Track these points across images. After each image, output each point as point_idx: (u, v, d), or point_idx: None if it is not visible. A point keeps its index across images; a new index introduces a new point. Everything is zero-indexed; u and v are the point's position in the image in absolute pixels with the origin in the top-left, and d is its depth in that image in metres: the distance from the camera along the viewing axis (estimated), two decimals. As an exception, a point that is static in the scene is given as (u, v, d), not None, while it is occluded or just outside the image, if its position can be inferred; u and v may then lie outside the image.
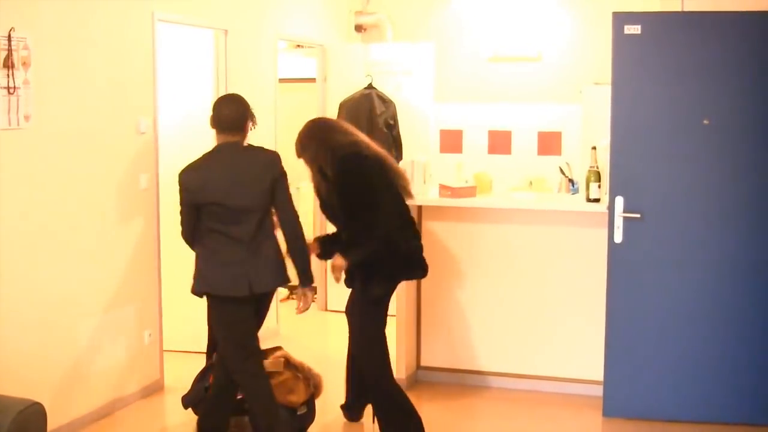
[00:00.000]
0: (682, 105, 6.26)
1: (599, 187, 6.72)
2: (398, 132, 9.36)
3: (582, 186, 7.22)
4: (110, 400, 6.53)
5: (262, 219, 5.46)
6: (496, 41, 10.01)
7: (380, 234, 5.55)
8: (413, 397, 5.82)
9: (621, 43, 6.26)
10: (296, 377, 6.12)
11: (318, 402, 6.28)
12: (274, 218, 5.59)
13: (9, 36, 5.50)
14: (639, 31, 6.21)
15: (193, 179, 5.42)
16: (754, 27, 6.18)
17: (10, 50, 5.51)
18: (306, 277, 5.60)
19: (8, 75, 5.52)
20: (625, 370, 6.47)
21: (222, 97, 5.90)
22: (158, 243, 6.98)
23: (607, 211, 6.40)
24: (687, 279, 6.36)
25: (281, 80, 8.95)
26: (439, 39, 9.93)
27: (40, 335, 5.91)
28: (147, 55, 6.83)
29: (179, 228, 5.58)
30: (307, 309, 5.67)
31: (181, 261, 6.26)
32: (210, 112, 5.57)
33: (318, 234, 7.71)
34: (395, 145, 9.31)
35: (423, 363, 7.37)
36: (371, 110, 9.25)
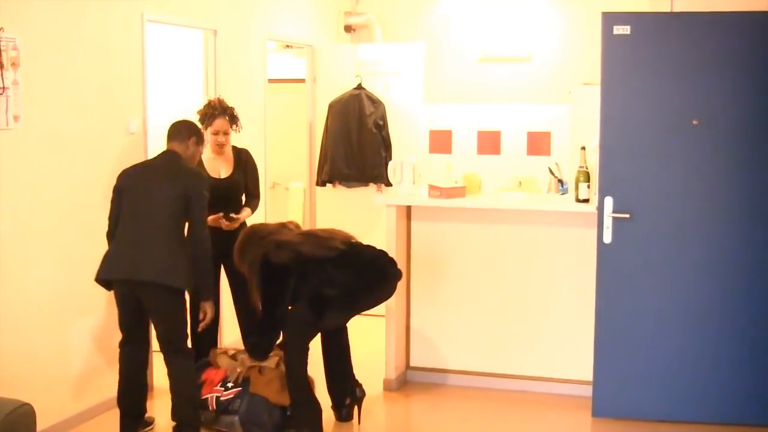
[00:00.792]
0: (671, 105, 6.28)
1: (588, 187, 6.73)
2: (387, 132, 9.37)
3: (571, 186, 7.23)
4: (99, 401, 6.52)
5: (171, 225, 5.78)
6: (485, 41, 10.02)
7: (272, 335, 6.13)
8: (402, 398, 5.83)
9: (610, 43, 6.26)
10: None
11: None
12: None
13: (-2, 36, 5.50)
14: (628, 32, 6.22)
15: (126, 172, 6.01)
16: (744, 27, 6.20)
17: (-1, 50, 5.51)
18: (201, 293, 5.96)
19: (-3, 75, 5.52)
20: (614, 371, 6.48)
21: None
22: (147, 243, 6.96)
23: (596, 211, 6.41)
24: (676, 279, 6.37)
25: (270, 80, 8.94)
26: (428, 39, 9.94)
27: (30, 336, 5.90)
28: (136, 55, 6.82)
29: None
30: (206, 323, 6.01)
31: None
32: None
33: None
34: (384, 145, 9.32)
35: (412, 363, 7.37)
36: (360, 111, 9.26)
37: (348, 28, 10.40)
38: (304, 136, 9.63)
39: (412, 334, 7.35)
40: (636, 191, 6.33)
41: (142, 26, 6.84)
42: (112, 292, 5.90)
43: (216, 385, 6.14)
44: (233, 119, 6.90)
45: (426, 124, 9.64)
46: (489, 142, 9.52)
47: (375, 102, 9.35)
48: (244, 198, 7.04)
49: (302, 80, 9.90)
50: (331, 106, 9.36)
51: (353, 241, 6.23)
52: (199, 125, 6.59)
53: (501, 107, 9.56)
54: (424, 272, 7.25)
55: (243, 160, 7.03)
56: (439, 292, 7.24)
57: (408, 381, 7.33)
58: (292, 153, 9.77)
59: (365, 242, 6.36)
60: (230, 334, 7.55)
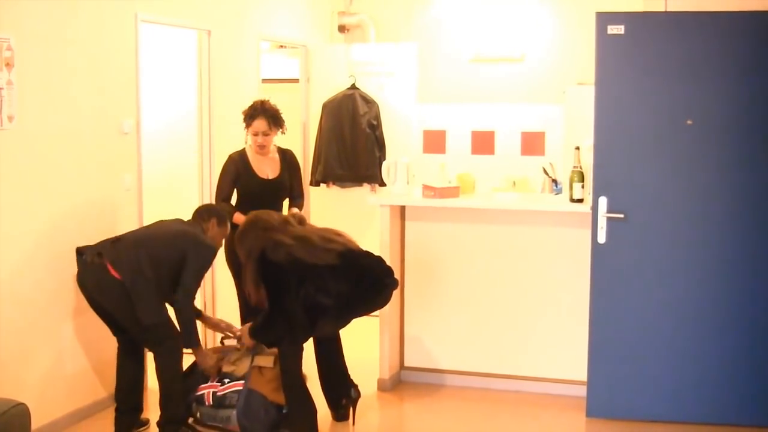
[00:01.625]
0: (665, 105, 6.28)
1: (583, 187, 6.73)
2: (381, 132, 9.37)
3: (565, 186, 7.24)
4: (94, 401, 6.51)
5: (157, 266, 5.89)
6: (479, 42, 10.01)
7: (278, 331, 6.02)
8: (396, 398, 5.83)
9: (604, 43, 6.27)
10: None
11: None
12: None
13: (-8, 37, 5.50)
14: (622, 31, 6.23)
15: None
16: (738, 27, 6.20)
17: (-8, 51, 5.51)
18: (186, 343, 6.04)
19: (-9, 75, 5.52)
20: (608, 371, 6.48)
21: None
22: (141, 244, 6.96)
23: (590, 211, 6.41)
24: (670, 279, 6.38)
25: (264, 80, 8.93)
26: (422, 40, 9.94)
27: (25, 336, 5.90)
28: (130, 55, 6.81)
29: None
30: (205, 365, 6.16)
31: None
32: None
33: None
34: (378, 145, 9.32)
35: (407, 363, 7.37)
36: (354, 111, 9.27)
37: (341, 29, 10.40)
38: (297, 136, 9.61)
39: (406, 334, 7.35)
40: (630, 191, 6.33)
41: (136, 26, 6.83)
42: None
43: (214, 380, 6.17)
44: (275, 121, 6.89)
45: (420, 124, 9.64)
46: (483, 143, 9.52)
47: (369, 102, 9.35)
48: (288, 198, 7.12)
49: (296, 80, 9.90)
50: (324, 106, 9.36)
51: (351, 247, 6.19)
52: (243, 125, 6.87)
53: (495, 107, 9.56)
54: (418, 272, 7.25)
55: (288, 161, 7.07)
56: (433, 292, 7.24)
57: (402, 381, 7.33)
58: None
59: (360, 244, 6.33)
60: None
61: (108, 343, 6.35)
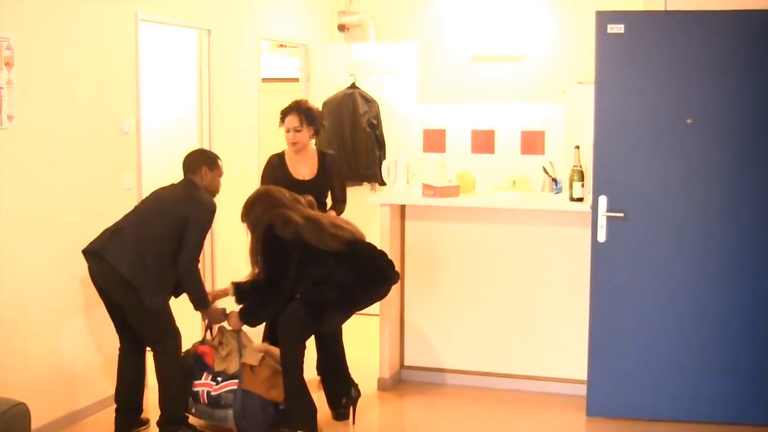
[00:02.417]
0: (665, 104, 6.28)
1: (583, 186, 6.73)
2: (381, 132, 9.37)
3: (565, 185, 7.24)
4: (94, 401, 6.51)
5: (159, 240, 5.90)
6: (479, 41, 10.01)
7: (272, 308, 6.08)
8: (396, 397, 5.83)
9: (604, 42, 6.27)
10: (278, 372, 6.11)
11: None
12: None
13: (-8, 36, 5.50)
14: (622, 30, 6.22)
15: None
16: (737, 26, 6.20)
17: (-8, 50, 5.51)
18: (196, 304, 6.12)
19: (-9, 75, 5.52)
20: (608, 370, 6.48)
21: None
22: (141, 243, 6.96)
23: (590, 210, 6.41)
24: (670, 278, 6.38)
25: (264, 80, 8.94)
26: (422, 39, 9.93)
27: (24, 335, 5.89)
28: (130, 55, 6.80)
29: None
30: (217, 323, 6.28)
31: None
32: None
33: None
34: (378, 144, 9.32)
35: (407, 362, 7.37)
36: (354, 110, 9.26)
37: (341, 28, 10.40)
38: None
39: (407, 333, 7.35)
40: (630, 190, 6.33)
41: (136, 26, 6.82)
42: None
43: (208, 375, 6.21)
44: (308, 118, 6.82)
45: (420, 123, 9.65)
46: (483, 141, 9.53)
47: (369, 101, 9.34)
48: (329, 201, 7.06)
49: (296, 79, 9.89)
50: (324, 105, 9.35)
51: (358, 237, 6.18)
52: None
53: (495, 106, 9.57)
54: (419, 271, 7.25)
55: (327, 164, 6.96)
56: (433, 291, 7.24)
57: (402, 380, 7.33)
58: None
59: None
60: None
61: (108, 343, 6.36)
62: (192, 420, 6.21)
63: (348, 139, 9.27)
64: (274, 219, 5.94)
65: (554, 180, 8.52)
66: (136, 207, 6.20)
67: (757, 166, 6.23)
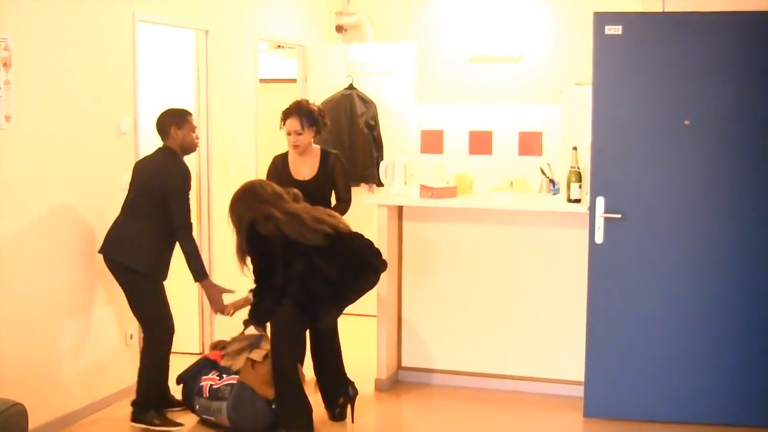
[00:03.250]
0: (663, 105, 6.28)
1: (580, 187, 6.73)
2: (379, 132, 9.37)
3: (563, 186, 7.24)
4: (92, 401, 6.51)
5: (143, 211, 6.14)
6: (477, 42, 10.01)
7: (268, 305, 6.11)
8: (393, 398, 5.82)
9: (602, 43, 6.27)
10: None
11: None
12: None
13: (-11, 36, 5.50)
14: (620, 32, 6.23)
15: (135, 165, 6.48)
16: (735, 27, 6.21)
17: (-10, 50, 5.51)
18: (195, 275, 6.31)
19: (-12, 75, 5.51)
20: (606, 371, 6.48)
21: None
22: (139, 243, 6.96)
23: (588, 211, 6.41)
24: (668, 279, 6.38)
25: (262, 80, 8.94)
26: (419, 39, 9.94)
27: (22, 335, 5.89)
28: (128, 55, 6.81)
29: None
30: (212, 298, 6.41)
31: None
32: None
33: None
34: (376, 145, 9.32)
35: (404, 363, 7.37)
36: (352, 111, 9.26)
37: (339, 28, 10.40)
38: (295, 136, 9.61)
39: (404, 334, 7.35)
40: (627, 191, 6.33)
41: (134, 26, 6.83)
42: (99, 289, 6.20)
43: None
44: (309, 120, 6.76)
45: (417, 124, 9.65)
46: (480, 142, 9.52)
47: (366, 102, 9.35)
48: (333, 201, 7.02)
49: (293, 80, 9.88)
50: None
51: (340, 229, 6.16)
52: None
53: (492, 107, 9.56)
54: (416, 272, 7.25)
55: (330, 164, 6.88)
56: (430, 292, 7.24)
57: (399, 381, 7.32)
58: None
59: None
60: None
61: (107, 343, 6.36)
62: (192, 417, 6.31)
63: (346, 139, 9.27)
64: (256, 215, 5.98)
65: (552, 181, 8.53)
66: (124, 200, 6.32)
67: (755, 167, 6.23)
